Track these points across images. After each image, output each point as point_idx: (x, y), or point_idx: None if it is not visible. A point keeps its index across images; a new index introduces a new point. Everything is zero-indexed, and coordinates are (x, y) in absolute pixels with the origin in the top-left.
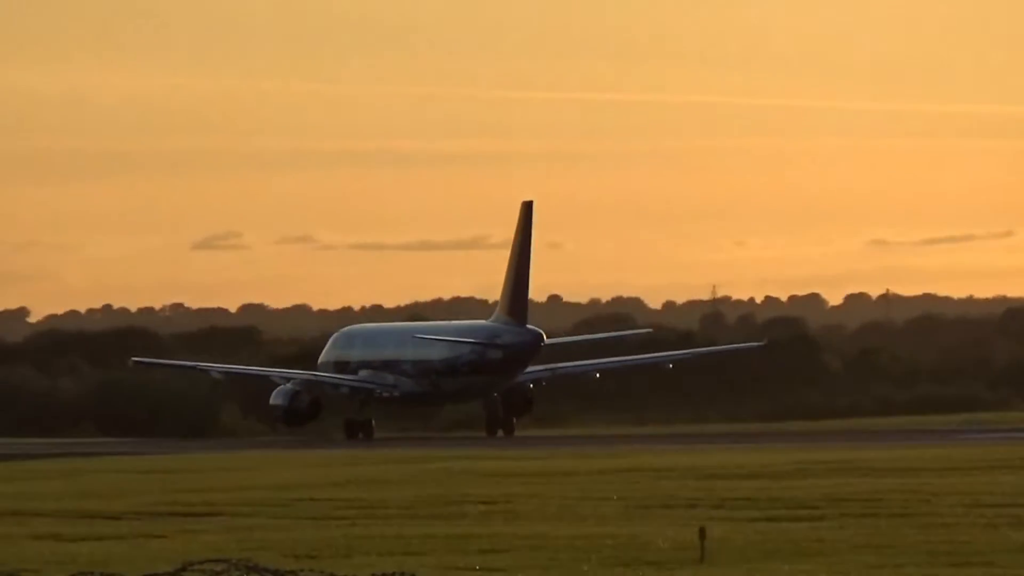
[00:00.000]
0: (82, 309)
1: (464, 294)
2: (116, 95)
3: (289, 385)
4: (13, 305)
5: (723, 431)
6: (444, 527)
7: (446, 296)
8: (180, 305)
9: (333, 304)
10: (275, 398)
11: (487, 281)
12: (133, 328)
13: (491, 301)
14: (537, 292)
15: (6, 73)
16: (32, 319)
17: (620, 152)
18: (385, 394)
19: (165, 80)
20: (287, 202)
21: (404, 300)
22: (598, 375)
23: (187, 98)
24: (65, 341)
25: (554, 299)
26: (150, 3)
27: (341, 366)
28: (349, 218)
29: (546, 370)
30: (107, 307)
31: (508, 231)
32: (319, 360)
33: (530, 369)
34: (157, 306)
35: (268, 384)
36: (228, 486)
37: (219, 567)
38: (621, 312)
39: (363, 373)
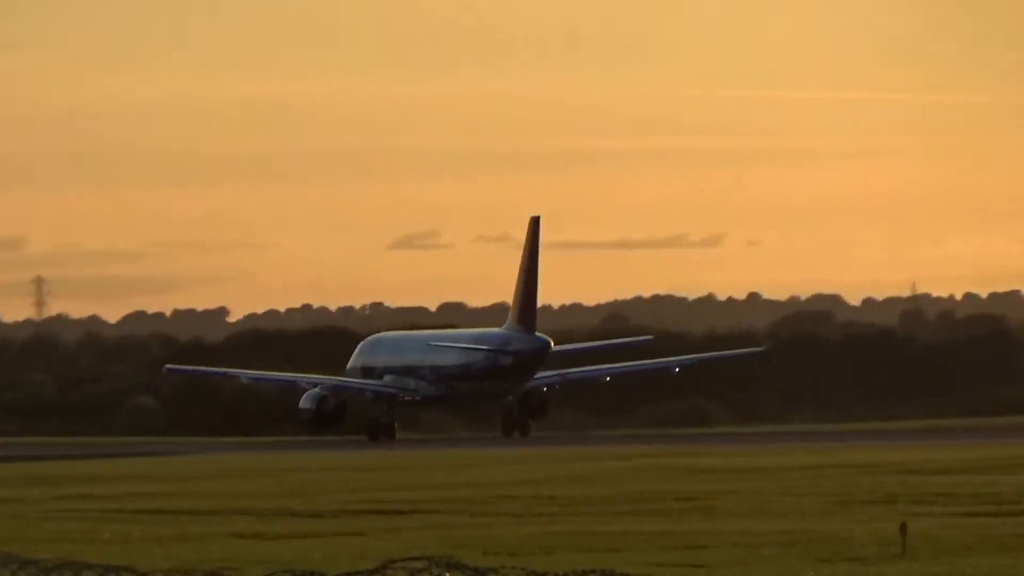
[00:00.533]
0: (281, 309)
1: (663, 292)
2: (317, 96)
3: (317, 390)
4: (213, 305)
5: (923, 427)
6: (645, 524)
7: (645, 294)
8: (380, 304)
9: None
10: (304, 402)
11: (686, 279)
12: (332, 327)
13: (691, 299)
14: (737, 289)
15: (203, 79)
16: (232, 319)
17: (813, 149)
18: (407, 398)
19: (364, 81)
20: (486, 201)
21: (603, 298)
22: (608, 379)
23: (388, 99)
24: (264, 340)
25: (753, 296)
26: (357, 6)
27: (368, 371)
28: (548, 216)
29: (557, 375)
30: (306, 307)
31: (709, 229)
32: (347, 366)
33: (543, 374)
34: (356, 305)
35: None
36: (428, 484)
37: (420, 564)
38: (820, 309)
39: (387, 378)
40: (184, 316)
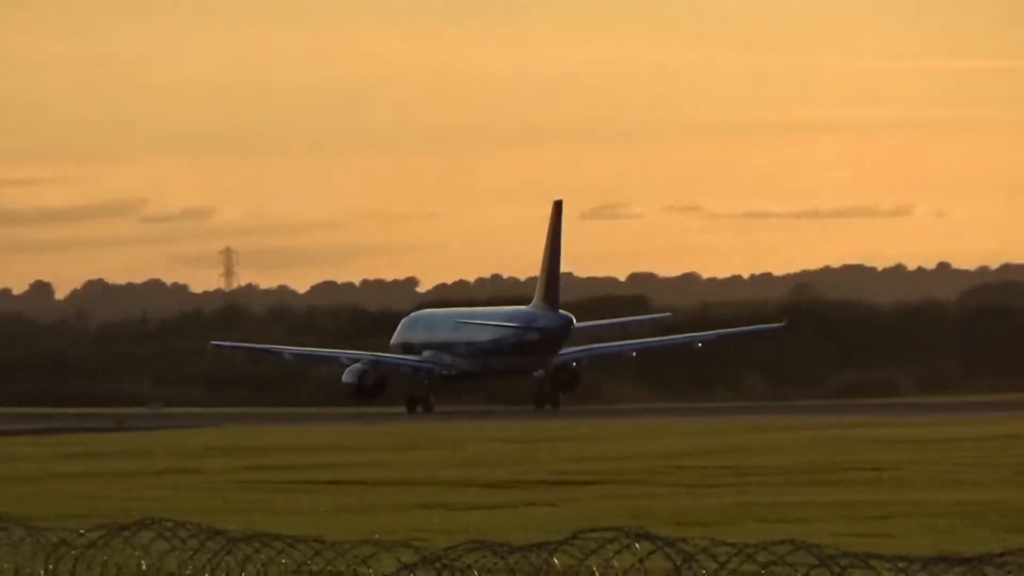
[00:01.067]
0: (471, 279)
1: (852, 262)
2: (510, 69)
3: (359, 364)
4: (402, 275)
5: None
6: (830, 494)
7: (835, 264)
8: (569, 274)
9: (721, 272)
10: (346, 376)
11: (875, 250)
12: (522, 297)
13: (880, 269)
14: (926, 259)
15: (398, 53)
16: (421, 288)
17: (1004, 120)
18: (443, 372)
19: (569, 54)
20: (675, 172)
21: (792, 268)
22: (634, 354)
23: (578, 69)
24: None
25: (943, 266)
26: None
27: (408, 347)
28: (735, 187)
29: (584, 350)
30: (496, 276)
31: (898, 199)
32: (391, 341)
33: (571, 349)
34: None
35: (654, 355)
36: (615, 454)
37: (609, 535)
38: (1010, 280)
39: (426, 354)
40: (373, 286)
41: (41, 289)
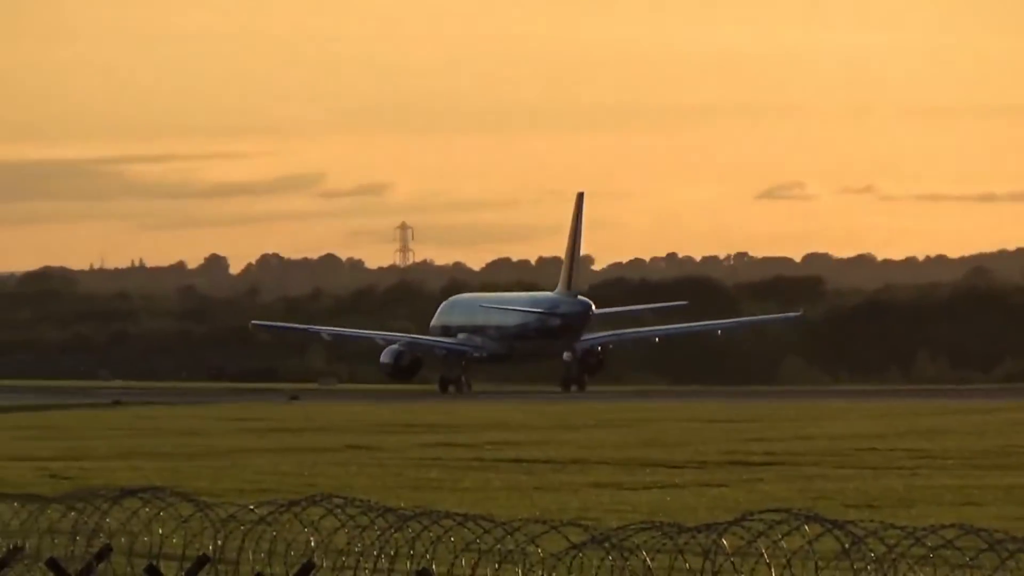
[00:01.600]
0: (646, 257)
1: None
2: (676, 50)
3: (396, 346)
4: None
5: None
6: (1002, 477)
7: (1010, 247)
8: (744, 254)
9: (896, 254)
10: (384, 356)
11: None
12: (696, 277)
13: None
14: None
15: (597, 28)
16: (596, 267)
17: None
18: (476, 354)
19: (738, 33)
20: (850, 153)
21: (967, 251)
22: (657, 339)
23: (757, 51)
24: (628, 289)
25: None
26: None
27: (446, 330)
28: (911, 169)
29: (612, 335)
30: (671, 255)
31: None
32: (431, 324)
33: (600, 334)
34: (722, 255)
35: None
36: (789, 435)
37: (778, 517)
38: None
39: (461, 336)
40: (549, 264)
41: (216, 263)
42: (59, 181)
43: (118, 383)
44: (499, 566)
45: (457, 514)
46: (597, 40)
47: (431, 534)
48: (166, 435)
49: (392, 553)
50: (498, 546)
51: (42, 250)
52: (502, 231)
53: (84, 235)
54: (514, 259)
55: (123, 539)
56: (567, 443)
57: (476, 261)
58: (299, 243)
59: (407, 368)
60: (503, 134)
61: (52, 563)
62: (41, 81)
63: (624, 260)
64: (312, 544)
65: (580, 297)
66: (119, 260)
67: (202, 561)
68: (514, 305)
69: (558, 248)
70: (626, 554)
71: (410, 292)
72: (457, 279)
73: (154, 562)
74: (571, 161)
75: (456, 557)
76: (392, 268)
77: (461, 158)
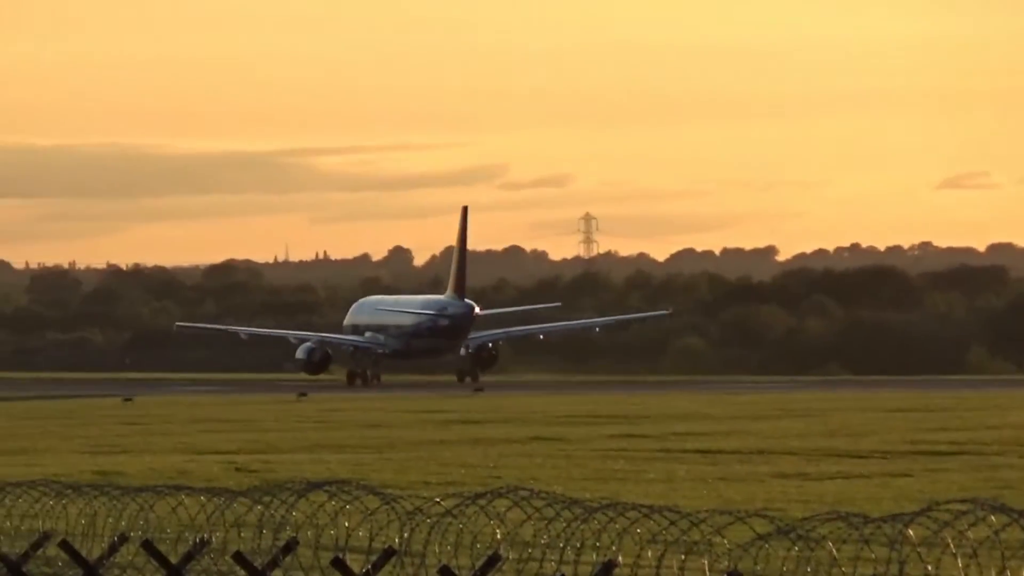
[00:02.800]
0: (830, 248)
1: None
2: (876, 34)
3: (309, 343)
4: (762, 244)
5: None
6: None
7: None
8: (928, 244)
9: None
10: (299, 352)
11: None
12: (880, 267)
13: None
14: None
15: (774, 18)
16: (780, 257)
17: None
18: (380, 351)
19: (927, 19)
20: None
21: None
22: (541, 336)
23: (948, 36)
24: (812, 280)
25: None
26: None
27: (355, 328)
28: None
29: (502, 332)
30: (855, 246)
31: None
32: (344, 322)
33: (490, 332)
34: (905, 245)
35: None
36: (974, 425)
37: (964, 507)
38: None
39: (368, 335)
40: (733, 255)
41: (400, 255)
42: (244, 174)
43: (301, 376)
44: (684, 557)
45: (643, 506)
46: (780, 32)
47: (617, 526)
48: (351, 428)
49: (578, 545)
50: (684, 537)
51: (227, 243)
52: (686, 221)
53: (269, 228)
54: (698, 249)
55: (309, 532)
56: (752, 433)
57: (660, 252)
58: (483, 235)
59: (318, 363)
60: (686, 125)
61: (238, 557)
62: (226, 75)
63: (808, 251)
64: (498, 536)
65: (466, 300)
66: (303, 252)
67: (388, 554)
68: (409, 307)
69: (743, 239)
70: (812, 545)
71: (594, 283)
72: (642, 270)
73: (340, 555)
74: (755, 151)
75: (642, 549)
76: (576, 259)
77: (645, 149)
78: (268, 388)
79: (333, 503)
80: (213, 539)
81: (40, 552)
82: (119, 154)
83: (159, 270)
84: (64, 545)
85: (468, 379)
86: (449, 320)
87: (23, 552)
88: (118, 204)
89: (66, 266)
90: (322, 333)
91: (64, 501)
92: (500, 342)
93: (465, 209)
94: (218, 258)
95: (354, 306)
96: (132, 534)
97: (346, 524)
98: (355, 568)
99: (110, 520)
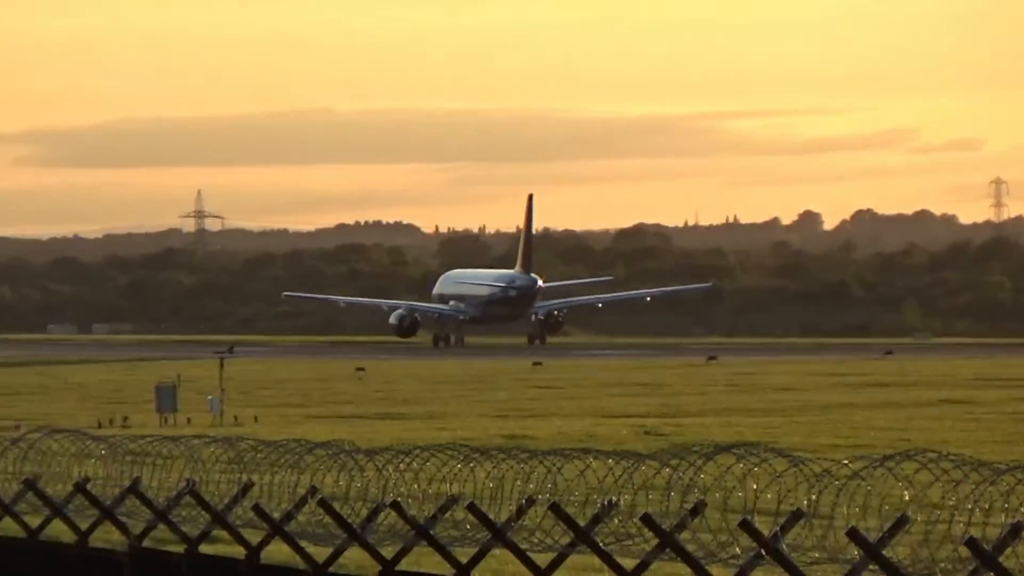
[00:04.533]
0: None
1: None
2: None
3: (400, 310)
4: None
5: None
6: None
7: None
8: None
9: None
10: (391, 319)
11: None
12: None
13: None
14: None
15: None
16: None
17: None
18: (461, 317)
19: None
20: None
21: None
22: (600, 305)
23: None
24: None
25: None
26: None
27: (442, 298)
28: None
29: (565, 302)
30: None
31: None
32: (432, 292)
33: (553, 301)
34: None
35: None
36: None
37: None
38: None
39: (451, 303)
40: None
41: (809, 219)
42: (654, 137)
43: (713, 339)
44: None
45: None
46: None
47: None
48: (760, 391)
49: (986, 507)
50: None
51: (637, 207)
52: None
53: (678, 192)
54: None
55: (717, 494)
56: None
57: None
58: (893, 198)
59: (408, 328)
60: None
61: (646, 519)
62: (635, 38)
63: None
64: (906, 498)
65: (531, 274)
66: (713, 217)
67: (796, 516)
68: (483, 281)
69: None
70: None
71: (1005, 247)
72: None
73: (748, 517)
74: None
75: None
76: (986, 224)
77: None
78: (676, 351)
79: (741, 466)
80: (621, 502)
81: (448, 515)
82: (528, 118)
83: (569, 234)
84: (472, 508)
85: (536, 342)
86: (516, 291)
87: (431, 515)
88: (527, 168)
89: (475, 230)
90: (411, 302)
91: (472, 465)
92: (564, 310)
93: (531, 197)
94: (628, 222)
95: (441, 278)
96: (539, 497)
97: (754, 487)
98: (763, 530)
99: (517, 483)
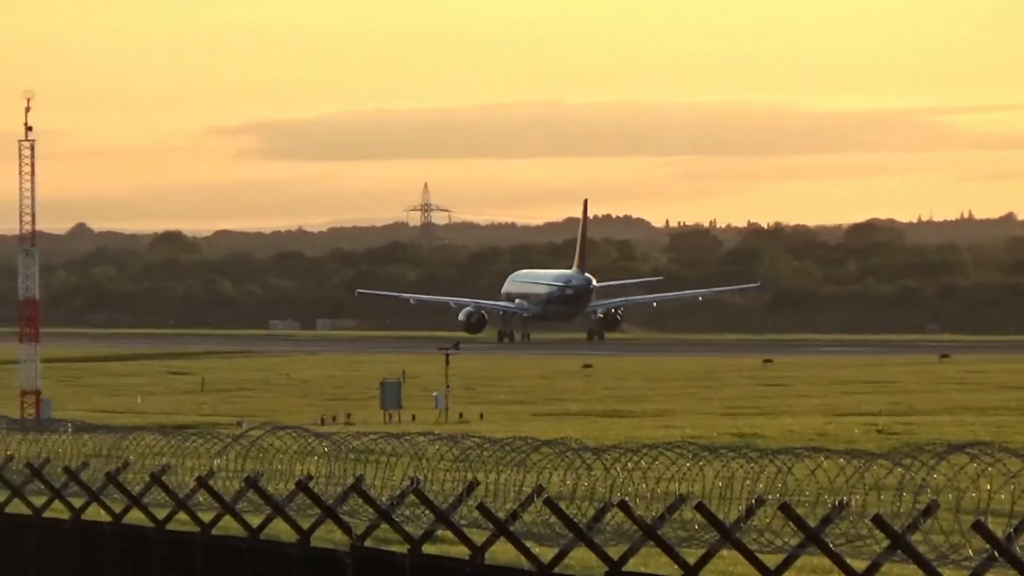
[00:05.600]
0: None
1: None
2: None
3: (468, 308)
4: None
5: None
6: None
7: None
8: None
9: None
10: (460, 315)
11: None
12: None
13: None
14: None
15: None
16: None
17: None
18: (524, 314)
19: None
20: None
21: None
22: (655, 304)
23: None
24: None
25: None
26: None
27: (509, 296)
28: None
29: (622, 301)
30: None
31: None
32: (501, 290)
33: (610, 300)
34: None
35: None
36: None
37: None
38: None
39: (517, 301)
40: None
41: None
42: (885, 132)
43: (946, 336)
44: None
45: None
46: None
47: None
48: (994, 389)
49: None
50: None
51: (869, 202)
52: None
53: (911, 187)
54: None
55: (950, 495)
56: None
57: None
58: None
59: (475, 324)
60: None
61: (878, 520)
62: (826, 31)
63: None
64: None
65: (586, 274)
66: (947, 212)
67: None
68: (543, 280)
69: None
70: None
71: None
72: None
73: (981, 519)
74: None
75: None
76: None
77: None
78: (910, 349)
79: (975, 466)
80: (852, 502)
81: (676, 515)
82: (756, 111)
83: (801, 229)
84: (700, 507)
85: (596, 338)
86: (573, 290)
87: (658, 514)
88: (758, 162)
89: (706, 224)
90: (479, 300)
91: (700, 463)
92: (622, 308)
93: (586, 201)
94: (860, 218)
95: (509, 277)
96: (769, 497)
97: (987, 487)
98: (997, 532)
99: (747, 483)
